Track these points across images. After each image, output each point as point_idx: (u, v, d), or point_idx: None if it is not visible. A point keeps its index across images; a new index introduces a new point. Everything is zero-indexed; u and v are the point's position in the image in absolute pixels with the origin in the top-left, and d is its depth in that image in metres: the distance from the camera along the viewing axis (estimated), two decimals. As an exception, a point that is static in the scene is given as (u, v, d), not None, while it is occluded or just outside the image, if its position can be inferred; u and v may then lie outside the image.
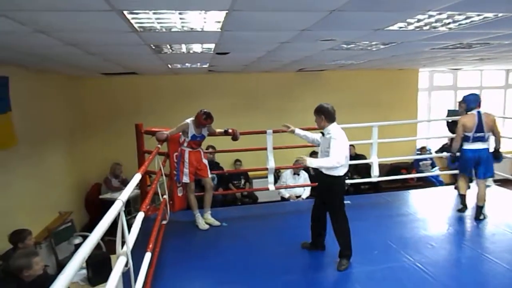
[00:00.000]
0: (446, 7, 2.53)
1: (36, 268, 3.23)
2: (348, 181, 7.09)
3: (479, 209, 4.61)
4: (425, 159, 8.61)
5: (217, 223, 4.58)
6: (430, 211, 5.05)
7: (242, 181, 7.57)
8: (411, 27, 3.19)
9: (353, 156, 8.02)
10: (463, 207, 4.88)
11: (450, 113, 6.16)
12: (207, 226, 4.46)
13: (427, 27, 3.22)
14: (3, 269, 3.86)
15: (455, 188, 5.80)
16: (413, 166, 8.73)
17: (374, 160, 5.48)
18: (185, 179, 4.37)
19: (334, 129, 3.43)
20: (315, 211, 3.77)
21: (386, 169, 8.18)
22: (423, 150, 8.72)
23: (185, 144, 4.36)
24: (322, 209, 3.68)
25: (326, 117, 3.44)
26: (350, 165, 7.33)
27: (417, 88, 9.15)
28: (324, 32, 3.26)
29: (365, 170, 7.30)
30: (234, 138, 4.61)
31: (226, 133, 4.60)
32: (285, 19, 2.75)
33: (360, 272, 3.45)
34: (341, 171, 3.41)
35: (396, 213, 5.00)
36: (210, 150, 6.49)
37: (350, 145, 7.65)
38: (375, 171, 5.49)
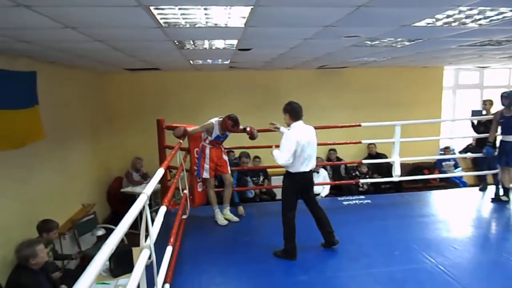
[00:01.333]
0: (478, 2, 2.45)
1: (41, 255, 3.37)
2: (368, 180, 7.05)
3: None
4: (448, 160, 8.41)
5: (235, 218, 4.59)
6: (453, 212, 4.93)
7: (261, 178, 7.56)
8: (439, 23, 3.11)
9: (374, 155, 7.94)
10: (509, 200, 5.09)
11: (474, 113, 6.00)
12: (226, 222, 4.49)
13: (456, 23, 3.13)
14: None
15: (480, 189, 5.65)
16: (436, 166, 8.54)
17: (396, 160, 5.38)
18: (205, 174, 4.40)
19: (292, 127, 3.56)
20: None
21: (407, 168, 8.03)
22: (446, 150, 8.51)
23: (207, 141, 4.39)
24: (308, 205, 3.78)
25: (290, 115, 3.57)
26: (371, 163, 7.37)
27: (442, 86, 8.92)
28: (349, 28, 3.21)
29: (386, 169, 7.20)
30: (252, 137, 4.58)
31: (244, 130, 4.59)
32: (310, 15, 2.72)
33: (381, 273, 3.40)
34: (292, 168, 3.55)
35: (418, 214, 4.90)
36: (256, 159, 6.59)
37: (371, 144, 7.73)
38: (396, 170, 5.39)
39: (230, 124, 4.17)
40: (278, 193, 7.37)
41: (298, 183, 3.62)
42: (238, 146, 5.67)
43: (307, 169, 3.61)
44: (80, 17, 2.57)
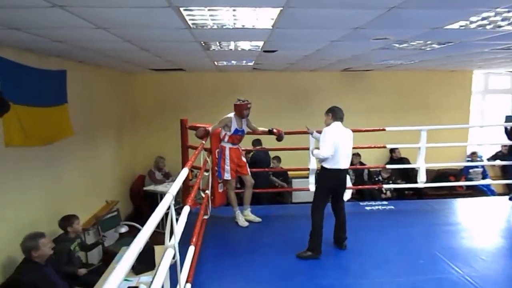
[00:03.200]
0: (517, 4, 2.36)
1: (44, 249, 3.43)
2: (392, 186, 6.91)
3: None
4: (476, 167, 8.14)
5: (257, 219, 4.58)
6: (480, 221, 4.76)
7: (281, 178, 7.50)
8: (473, 26, 3.01)
9: (396, 160, 7.78)
10: None
11: (508, 119, 5.78)
12: (246, 223, 4.47)
13: (491, 26, 3.03)
14: (55, 251, 4.11)
15: (510, 199, 5.44)
16: (462, 173, 8.28)
17: (421, 165, 5.25)
18: (227, 176, 4.39)
19: (330, 126, 3.71)
20: None
21: (432, 175, 7.82)
22: (474, 156, 8.24)
23: (226, 139, 4.36)
24: (333, 205, 3.87)
25: (332, 116, 3.74)
26: (393, 169, 7.21)
27: (471, 91, 8.66)
28: (378, 30, 3.15)
29: (409, 174, 7.04)
30: (279, 138, 4.61)
31: (270, 132, 4.58)
32: (339, 17, 2.68)
33: (405, 282, 3.31)
34: (328, 164, 3.69)
35: (444, 222, 4.75)
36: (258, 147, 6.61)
37: (395, 149, 7.57)
38: (421, 176, 5.26)
39: (238, 102, 4.26)
40: (299, 197, 7.36)
41: (332, 180, 3.73)
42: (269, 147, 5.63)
43: (342, 167, 3.71)
44: (112, 18, 2.62)
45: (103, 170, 6.42)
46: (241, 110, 4.29)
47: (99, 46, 3.89)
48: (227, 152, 4.37)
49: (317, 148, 3.86)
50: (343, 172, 3.76)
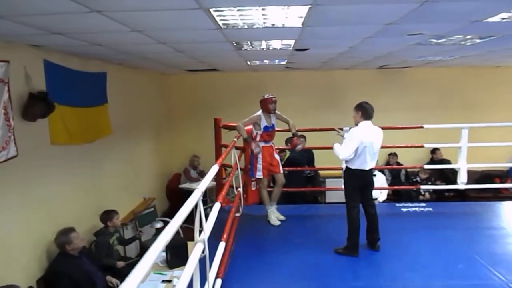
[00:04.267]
0: None
1: (76, 242, 3.65)
2: (430, 187, 6.65)
3: None
4: (524, 168, 7.64)
5: (282, 217, 4.58)
6: (528, 226, 4.47)
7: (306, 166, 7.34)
8: (516, 18, 2.84)
9: (438, 161, 7.47)
10: None
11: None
12: (279, 222, 4.47)
13: (537, 18, 2.84)
14: (96, 244, 4.34)
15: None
16: (509, 174, 7.80)
17: (462, 166, 5.00)
18: (259, 174, 4.41)
19: (359, 126, 3.62)
20: None
21: (475, 176, 7.43)
22: (522, 157, 7.74)
23: (258, 138, 4.39)
24: (363, 205, 3.79)
25: (361, 114, 3.63)
26: (433, 170, 6.93)
27: (518, 87, 8.14)
28: (412, 25, 3.05)
29: (450, 176, 6.74)
30: (293, 148, 4.54)
31: (291, 137, 4.52)
32: (370, 12, 2.63)
33: (441, 286, 3.19)
34: (352, 165, 3.64)
35: (486, 226, 4.51)
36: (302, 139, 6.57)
37: (436, 149, 7.27)
38: (462, 177, 5.01)
39: (264, 97, 4.30)
40: (332, 197, 7.26)
41: (357, 180, 3.67)
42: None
43: (367, 168, 3.63)
44: (145, 21, 2.73)
45: (141, 167, 6.68)
46: (267, 105, 4.31)
47: (135, 49, 4.06)
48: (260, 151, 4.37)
49: (339, 133, 3.93)
50: (368, 172, 3.69)
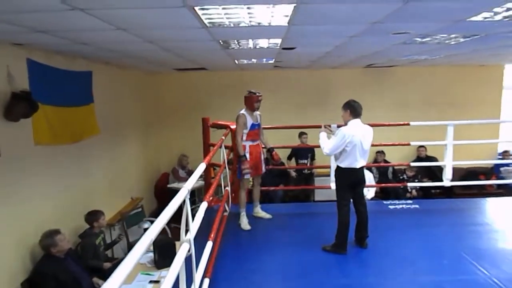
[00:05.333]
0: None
1: (61, 244, 3.60)
2: (417, 184, 6.74)
3: None
4: (508, 165, 7.79)
5: (268, 216, 4.57)
6: (511, 222, 4.56)
7: (309, 160, 7.44)
8: (498, 17, 2.88)
9: (423, 158, 7.57)
10: None
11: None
12: (249, 227, 4.33)
13: (518, 17, 2.89)
14: (82, 246, 4.28)
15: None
16: (493, 171, 7.95)
17: (448, 163, 5.07)
18: (247, 176, 4.28)
19: (349, 125, 3.62)
20: None
21: (461, 173, 7.52)
22: (505, 154, 7.91)
23: (245, 138, 4.28)
24: (354, 203, 3.81)
25: (350, 112, 3.62)
26: (420, 167, 7.03)
27: (502, 86, 8.30)
28: (397, 24, 3.08)
29: (436, 173, 6.83)
30: (276, 162, 4.69)
31: (269, 151, 4.59)
32: (356, 11, 2.65)
33: (427, 282, 3.22)
34: (342, 163, 3.64)
35: (471, 222, 4.58)
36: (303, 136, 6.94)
37: (421, 147, 7.37)
38: (448, 174, 5.08)
39: (249, 94, 4.24)
40: (318, 195, 7.32)
41: (348, 178, 3.68)
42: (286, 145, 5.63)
43: (357, 166, 3.64)
44: (129, 19, 2.69)
45: (128, 167, 6.62)
46: (252, 103, 4.24)
47: (121, 48, 4.01)
48: (247, 150, 4.30)
49: (331, 132, 3.92)
50: (359, 170, 3.69)
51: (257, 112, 4.37)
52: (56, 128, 4.13)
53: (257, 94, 4.25)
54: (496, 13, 2.76)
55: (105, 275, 4.09)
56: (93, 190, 5.16)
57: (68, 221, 4.37)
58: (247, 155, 4.28)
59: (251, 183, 4.63)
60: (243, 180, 4.35)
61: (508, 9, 2.64)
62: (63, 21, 2.62)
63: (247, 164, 4.18)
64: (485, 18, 2.91)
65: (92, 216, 4.44)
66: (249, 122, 4.26)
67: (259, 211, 4.63)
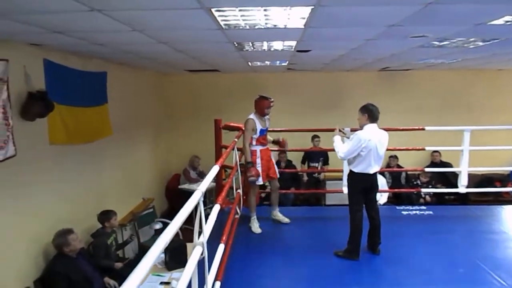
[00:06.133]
0: None
1: (73, 243, 3.63)
2: (431, 190, 6.62)
3: None
4: (525, 172, 7.62)
5: (286, 220, 4.53)
6: (529, 231, 4.45)
7: (321, 163, 7.38)
8: (521, 21, 2.81)
9: (438, 164, 7.45)
10: None
11: None
12: (260, 230, 4.31)
13: (541, 21, 2.82)
14: (94, 245, 4.30)
15: None
16: (509, 178, 7.78)
17: (463, 169, 4.97)
18: (259, 180, 4.24)
19: (365, 129, 3.55)
20: None
21: (476, 180, 7.38)
22: (523, 161, 7.71)
23: (254, 143, 4.25)
24: (366, 208, 3.75)
25: (368, 117, 3.56)
26: (434, 173, 6.92)
27: (520, 91, 8.12)
28: (415, 27, 3.03)
29: (451, 179, 6.71)
30: (283, 147, 4.56)
31: (275, 142, 4.53)
32: (373, 14, 2.60)
33: (442, 291, 3.16)
34: (356, 168, 3.58)
35: (487, 230, 4.48)
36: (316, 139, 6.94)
37: (435, 152, 7.25)
38: (463, 180, 4.98)
39: (259, 98, 4.19)
40: (329, 199, 7.25)
41: (361, 183, 3.63)
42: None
43: (371, 172, 3.58)
44: (146, 20, 2.70)
45: (140, 168, 6.65)
46: (263, 108, 4.18)
47: (136, 48, 4.03)
48: (258, 154, 4.25)
49: (344, 134, 3.87)
50: (373, 176, 3.63)
51: (267, 117, 4.33)
52: (71, 128, 4.17)
53: (270, 99, 4.18)
54: (519, 17, 2.70)
55: (116, 275, 4.12)
56: (105, 190, 5.20)
57: (81, 220, 4.40)
58: (259, 160, 4.25)
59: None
60: (254, 185, 4.32)
61: (532, 13, 2.57)
62: (81, 22, 2.64)
63: (254, 171, 4.11)
64: (507, 21, 2.84)
65: (105, 216, 4.47)
66: (258, 127, 4.21)
67: (278, 214, 4.58)
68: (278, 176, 4.52)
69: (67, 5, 2.17)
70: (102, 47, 3.78)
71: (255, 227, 4.35)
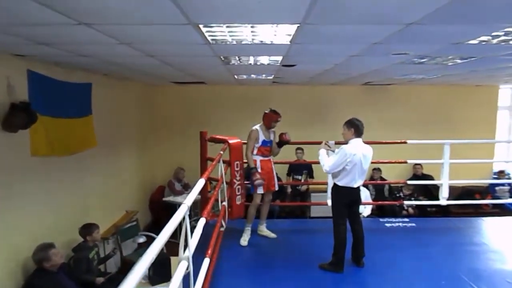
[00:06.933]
0: (541, 19, 2.30)
1: (54, 259, 3.53)
2: (413, 202, 6.74)
3: None
4: (503, 184, 7.84)
5: (272, 235, 4.53)
6: (508, 242, 4.55)
7: (304, 176, 7.40)
8: (495, 41, 2.95)
9: (419, 176, 7.60)
10: None
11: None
12: (246, 243, 4.31)
13: (515, 41, 2.96)
14: (75, 260, 4.20)
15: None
16: (489, 191, 7.99)
17: (444, 182, 5.09)
18: (259, 190, 4.25)
19: (350, 143, 3.59)
20: None
21: (456, 192, 7.55)
22: (501, 174, 7.97)
23: (255, 152, 4.29)
24: (350, 222, 3.80)
25: (354, 131, 3.60)
26: (416, 185, 7.05)
27: (497, 106, 8.42)
28: (397, 45, 3.13)
29: (433, 191, 6.85)
30: (284, 140, 4.47)
31: (280, 142, 4.48)
32: (357, 33, 2.69)
33: (426, 303, 3.20)
34: (340, 182, 3.62)
35: (468, 242, 4.58)
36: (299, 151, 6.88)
37: (417, 164, 7.40)
38: (444, 193, 5.10)
39: (269, 112, 4.24)
40: (314, 211, 7.29)
41: (345, 197, 3.66)
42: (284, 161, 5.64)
43: (355, 185, 3.63)
44: (134, 34, 2.72)
45: (124, 180, 6.56)
46: (271, 122, 4.25)
47: (123, 61, 4.03)
48: (258, 165, 4.26)
49: (330, 148, 3.87)
50: (356, 189, 3.69)
51: (272, 130, 4.37)
52: (53, 140, 4.10)
53: (278, 115, 4.26)
54: (494, 37, 2.82)
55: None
56: (88, 203, 5.10)
57: (62, 234, 4.30)
58: (259, 170, 4.26)
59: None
60: (256, 195, 4.32)
61: (506, 33, 2.69)
62: (68, 35, 2.64)
63: (259, 175, 4.15)
64: (482, 41, 2.97)
65: (86, 230, 4.37)
66: (261, 138, 4.27)
67: (264, 230, 4.58)
68: (276, 189, 4.52)
69: (54, 19, 2.17)
70: (88, 58, 3.76)
71: (244, 238, 4.35)
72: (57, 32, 2.55)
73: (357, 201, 3.79)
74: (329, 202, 5.00)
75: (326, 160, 3.71)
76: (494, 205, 7.56)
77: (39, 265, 3.52)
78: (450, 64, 4.25)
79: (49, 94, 4.03)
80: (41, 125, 3.81)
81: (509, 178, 7.94)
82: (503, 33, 2.68)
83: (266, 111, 4.30)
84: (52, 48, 3.10)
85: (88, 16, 2.19)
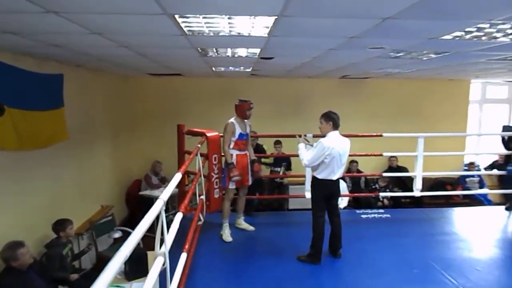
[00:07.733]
0: None
1: (23, 258, 3.38)
2: (388, 194, 6.90)
3: None
4: (473, 176, 8.13)
5: (251, 228, 4.55)
6: (477, 231, 4.75)
7: (283, 169, 7.41)
8: (468, 37, 3.02)
9: (394, 168, 7.78)
10: None
11: (506, 129, 5.79)
12: (230, 239, 4.30)
13: (486, 37, 3.04)
14: (47, 257, 4.08)
15: (507, 208, 5.43)
16: (459, 182, 8.27)
17: (418, 174, 5.23)
18: (231, 185, 4.25)
19: (328, 136, 3.62)
20: None
21: (429, 183, 7.80)
22: (471, 166, 8.24)
23: (232, 146, 4.24)
24: (328, 214, 3.85)
25: (332, 124, 3.64)
26: (391, 177, 7.22)
27: (468, 100, 8.69)
28: (373, 39, 3.16)
29: (407, 183, 7.04)
30: (256, 173, 4.46)
31: (252, 162, 4.44)
32: (335, 26, 2.69)
33: (398, 291, 3.30)
34: (320, 175, 3.65)
35: (439, 231, 4.75)
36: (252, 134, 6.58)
37: (392, 157, 7.57)
38: (418, 185, 5.24)
39: (239, 102, 4.22)
40: (292, 203, 7.35)
41: (324, 190, 3.70)
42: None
43: (334, 178, 3.67)
44: (105, 24, 2.62)
45: (99, 174, 6.40)
46: (244, 111, 4.20)
47: (95, 51, 3.90)
48: (234, 159, 4.22)
49: (308, 143, 3.90)
50: (335, 182, 3.72)
51: (247, 122, 4.34)
52: (23, 133, 3.93)
53: (249, 102, 4.23)
54: (467, 33, 2.89)
55: (72, 287, 3.93)
56: (61, 198, 4.95)
57: (34, 230, 4.17)
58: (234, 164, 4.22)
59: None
60: (229, 190, 4.30)
61: (479, 30, 2.76)
62: (35, 23, 2.51)
63: (236, 171, 4.12)
64: (456, 37, 3.04)
65: (59, 226, 4.24)
66: (237, 131, 4.22)
67: (242, 223, 4.59)
68: (250, 183, 4.48)
69: (21, 6, 2.06)
70: (59, 48, 3.62)
71: (226, 235, 4.32)
72: (24, 20, 2.43)
73: (336, 194, 3.83)
74: (308, 195, 5.07)
75: (305, 154, 3.74)
76: (465, 196, 7.83)
77: (7, 264, 3.39)
78: (425, 58, 4.34)
79: (17, 86, 3.85)
80: (9, 117, 3.65)
81: (478, 170, 8.23)
82: (475, 29, 2.75)
83: (236, 103, 4.26)
84: (20, 37, 2.96)
85: (56, 4, 2.09)
